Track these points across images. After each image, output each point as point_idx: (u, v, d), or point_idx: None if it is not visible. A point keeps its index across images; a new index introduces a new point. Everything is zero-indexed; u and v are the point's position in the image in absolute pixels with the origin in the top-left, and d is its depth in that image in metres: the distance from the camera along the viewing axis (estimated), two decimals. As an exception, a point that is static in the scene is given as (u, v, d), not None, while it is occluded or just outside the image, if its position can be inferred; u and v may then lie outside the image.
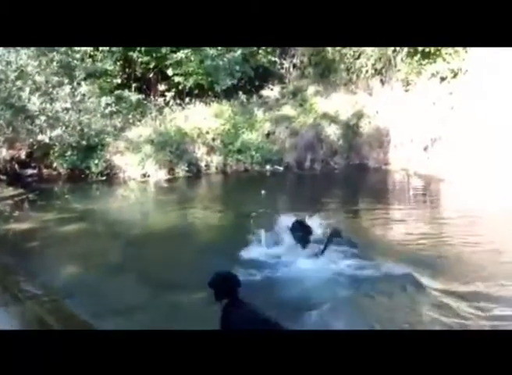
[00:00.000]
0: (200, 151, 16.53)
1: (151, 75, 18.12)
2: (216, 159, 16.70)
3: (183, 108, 17.60)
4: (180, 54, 16.93)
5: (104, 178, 15.25)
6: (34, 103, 12.93)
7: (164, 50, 16.93)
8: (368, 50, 18.55)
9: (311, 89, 18.88)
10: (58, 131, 13.88)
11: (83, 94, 14.53)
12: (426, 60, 18.01)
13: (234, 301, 4.94)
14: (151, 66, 17.61)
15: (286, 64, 20.09)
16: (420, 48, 17.71)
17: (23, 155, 15.04)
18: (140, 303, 7.50)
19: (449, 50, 17.37)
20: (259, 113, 17.99)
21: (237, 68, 17.88)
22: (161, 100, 17.80)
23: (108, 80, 16.84)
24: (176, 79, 17.36)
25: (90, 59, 16.38)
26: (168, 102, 17.70)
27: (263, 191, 13.30)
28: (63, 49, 14.53)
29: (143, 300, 7.63)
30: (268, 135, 17.64)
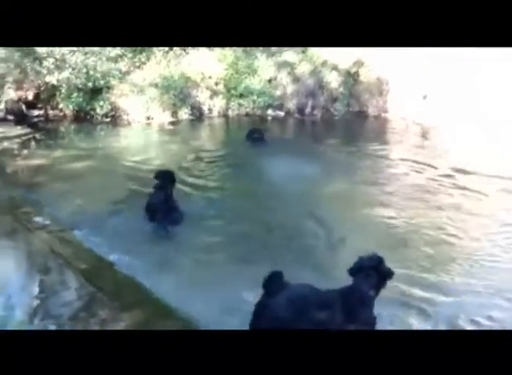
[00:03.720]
0: (203, 95, 16.83)
1: (156, 19, 18.18)
2: (218, 103, 17.03)
3: (187, 53, 17.74)
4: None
5: (108, 120, 15.58)
6: (43, 46, 13.26)
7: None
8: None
9: (314, 36, 18.93)
10: (65, 73, 14.23)
11: (90, 37, 14.75)
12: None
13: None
14: (156, 10, 17.65)
15: (290, 11, 20.12)
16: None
17: (30, 96, 15.28)
18: (140, 236, 8.13)
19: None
20: (262, 59, 18.11)
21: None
22: (165, 44, 17.91)
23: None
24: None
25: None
26: (172, 47, 17.81)
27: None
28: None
29: (143, 233, 8.27)
30: (270, 81, 17.84)
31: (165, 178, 8.59)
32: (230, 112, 17.21)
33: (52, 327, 4.74)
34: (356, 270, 5.19)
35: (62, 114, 15.62)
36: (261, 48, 18.60)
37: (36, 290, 6.09)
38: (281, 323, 4.90)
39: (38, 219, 8.09)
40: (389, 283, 5.50)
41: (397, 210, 9.43)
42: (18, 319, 5.15)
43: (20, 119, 14.79)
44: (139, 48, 17.04)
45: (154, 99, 15.82)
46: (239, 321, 5.62)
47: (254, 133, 13.82)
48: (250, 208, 9.40)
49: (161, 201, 8.39)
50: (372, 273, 5.09)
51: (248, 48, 18.44)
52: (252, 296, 5.97)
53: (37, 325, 5.19)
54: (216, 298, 6.23)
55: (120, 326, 5.32)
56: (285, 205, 9.56)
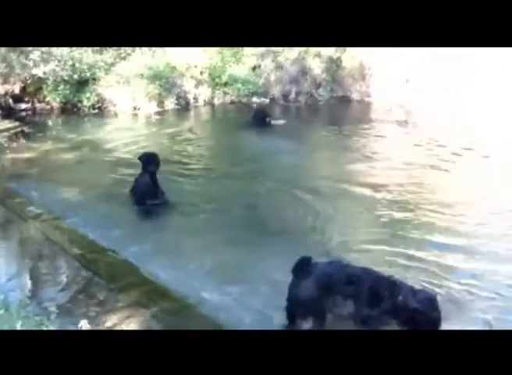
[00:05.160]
0: (188, 85, 17.02)
1: (139, 10, 18.30)
2: (204, 92, 17.22)
3: (172, 42, 17.91)
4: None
5: (95, 111, 15.69)
6: (28, 38, 13.37)
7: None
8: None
9: (296, 24, 19.08)
10: (51, 65, 14.37)
11: (74, 30, 14.93)
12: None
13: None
14: (140, 1, 17.78)
15: (272, -1, 20.29)
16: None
17: (16, 89, 15.37)
18: (127, 221, 8.37)
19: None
20: (246, 47, 18.31)
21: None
22: (150, 35, 18.04)
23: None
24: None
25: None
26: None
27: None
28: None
29: (130, 219, 8.52)
30: (254, 69, 18.08)
31: (149, 160, 8.85)
32: (216, 101, 17.41)
33: (53, 309, 4.94)
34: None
35: (49, 107, 15.72)
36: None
37: (34, 276, 6.31)
38: (311, 304, 5.15)
39: (31, 208, 8.28)
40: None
41: (386, 186, 9.82)
42: (19, 303, 5.35)
43: (7, 113, 14.86)
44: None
45: (140, 89, 15.96)
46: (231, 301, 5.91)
47: (260, 115, 14.32)
48: (238, 191, 9.70)
49: (145, 183, 8.68)
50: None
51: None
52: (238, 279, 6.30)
53: (37, 307, 5.41)
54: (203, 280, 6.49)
55: (118, 306, 5.56)
56: (275, 186, 9.97)
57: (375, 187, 9.66)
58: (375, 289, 5.19)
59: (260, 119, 14.17)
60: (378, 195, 9.33)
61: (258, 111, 14.79)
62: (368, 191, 9.53)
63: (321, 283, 5.18)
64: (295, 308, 5.28)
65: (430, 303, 5.09)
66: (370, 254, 7.15)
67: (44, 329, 4.16)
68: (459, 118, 14.66)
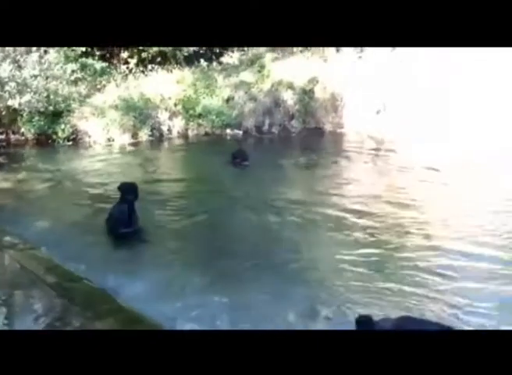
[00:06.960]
0: (162, 116, 17.20)
1: (114, 43, 18.52)
2: (178, 124, 17.42)
3: (146, 75, 18.20)
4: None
5: (70, 143, 15.75)
6: (4, 70, 13.53)
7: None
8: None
9: (269, 56, 19.50)
10: (27, 97, 14.46)
11: (50, 62, 15.14)
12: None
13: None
14: (114, 33, 17.99)
15: (245, 32, 20.60)
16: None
17: (-10, 121, 15.48)
18: (102, 252, 8.43)
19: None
20: (219, 79, 18.68)
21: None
22: (124, 67, 18.35)
23: (73, 48, 17.12)
24: (139, 46, 17.81)
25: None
26: (132, 70, 18.29)
27: None
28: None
29: (104, 249, 8.58)
30: (227, 100, 18.31)
31: (128, 190, 8.93)
32: (190, 132, 17.60)
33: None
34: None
35: (23, 138, 15.78)
36: (218, 69, 19.12)
37: (10, 304, 6.35)
38: None
39: (7, 238, 8.30)
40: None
41: (362, 212, 10.00)
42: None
43: (-19, 145, 14.90)
44: (98, 71, 17.41)
45: (114, 121, 16.12)
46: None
47: (238, 157, 13.62)
48: (212, 221, 9.77)
49: (120, 212, 8.75)
50: None
51: (206, 69, 18.96)
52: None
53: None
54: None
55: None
56: (250, 214, 10.07)
57: (351, 213, 9.82)
58: None
59: (239, 162, 13.49)
60: (354, 220, 9.48)
61: (237, 151, 13.89)
62: (345, 216, 9.69)
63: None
64: None
65: None
66: (351, 277, 7.26)
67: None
68: (430, 144, 15.07)
